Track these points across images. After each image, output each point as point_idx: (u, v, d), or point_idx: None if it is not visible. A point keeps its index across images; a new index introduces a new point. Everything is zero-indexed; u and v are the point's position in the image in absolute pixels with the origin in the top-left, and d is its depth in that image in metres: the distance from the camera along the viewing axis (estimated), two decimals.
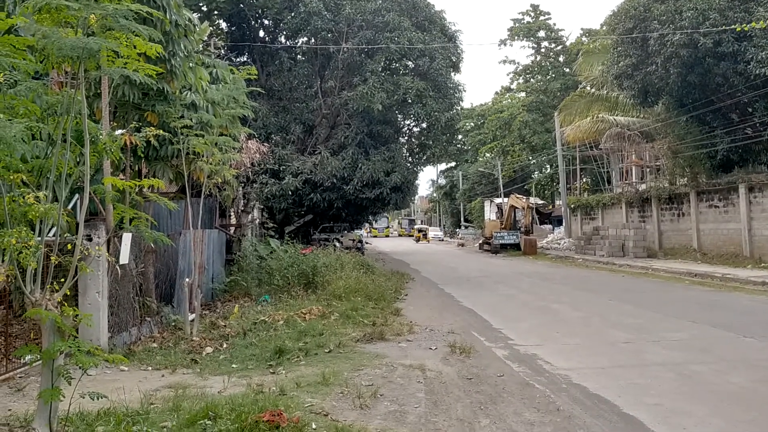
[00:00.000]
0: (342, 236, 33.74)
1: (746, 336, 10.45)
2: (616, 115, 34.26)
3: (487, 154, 67.40)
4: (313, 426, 5.76)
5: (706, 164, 27.48)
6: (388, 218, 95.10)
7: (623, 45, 26.84)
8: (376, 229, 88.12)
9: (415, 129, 34.76)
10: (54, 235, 5.85)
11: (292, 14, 28.58)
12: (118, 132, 9.38)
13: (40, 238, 5.14)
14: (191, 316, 11.20)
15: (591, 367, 8.48)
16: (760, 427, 5.91)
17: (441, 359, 9.03)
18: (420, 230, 79.25)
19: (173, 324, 11.34)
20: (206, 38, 17.38)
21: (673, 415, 6.28)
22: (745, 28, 18.53)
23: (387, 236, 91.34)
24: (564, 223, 43.98)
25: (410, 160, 34.82)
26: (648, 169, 36.86)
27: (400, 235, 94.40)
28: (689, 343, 9.98)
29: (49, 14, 4.96)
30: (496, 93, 71.25)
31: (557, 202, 54.07)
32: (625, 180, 38.30)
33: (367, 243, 46.83)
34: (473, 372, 8.25)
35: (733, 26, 20.56)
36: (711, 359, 8.79)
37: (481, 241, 47.11)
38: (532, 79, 62.06)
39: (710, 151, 26.48)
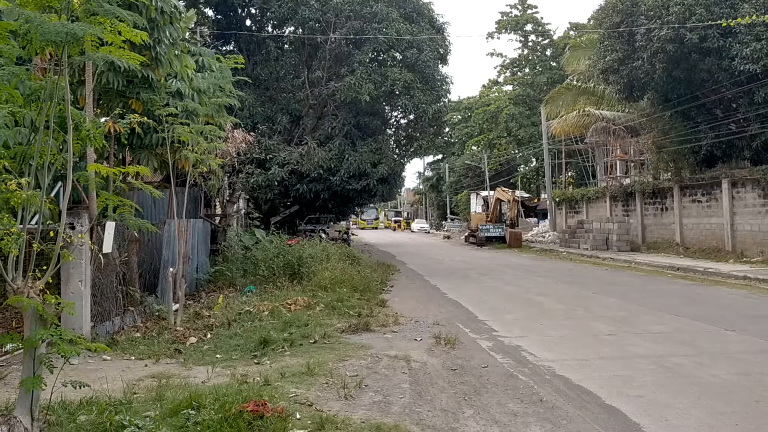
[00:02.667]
0: (328, 227, 33.66)
1: (727, 329, 10.56)
2: (602, 110, 34.41)
3: (474, 147, 67.48)
4: (298, 416, 5.76)
5: (690, 159, 27.69)
6: (377, 209, 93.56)
7: (610, 39, 26.92)
8: (364, 220, 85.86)
9: (402, 121, 34.70)
10: (36, 223, 5.78)
11: (279, 3, 28.36)
12: (102, 119, 9.30)
13: (22, 225, 5.08)
14: (175, 306, 11.16)
15: (574, 359, 8.54)
16: (740, 419, 5.98)
17: (426, 350, 9.06)
18: (396, 221, 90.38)
19: (157, 314, 11.29)
20: (192, 26, 17.23)
21: (654, 407, 6.34)
22: (731, 24, 18.64)
23: (375, 228, 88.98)
24: (549, 217, 44.17)
25: (397, 151, 34.78)
26: (632, 164, 37.10)
27: (386, 227, 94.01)
28: (671, 336, 10.08)
29: None
30: (484, 86, 71.24)
31: (542, 196, 54.28)
32: (610, 174, 38.52)
33: (353, 235, 46.76)
34: (458, 363, 8.29)
35: (718, 22, 20.67)
36: (693, 352, 8.88)
37: (467, 234, 47.24)
38: (519, 73, 62.13)
39: (694, 146, 26.68)
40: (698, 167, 27.73)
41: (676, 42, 23.23)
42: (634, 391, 6.90)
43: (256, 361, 8.36)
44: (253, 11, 31.08)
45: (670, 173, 29.78)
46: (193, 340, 9.74)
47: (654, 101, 28.71)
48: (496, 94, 65.59)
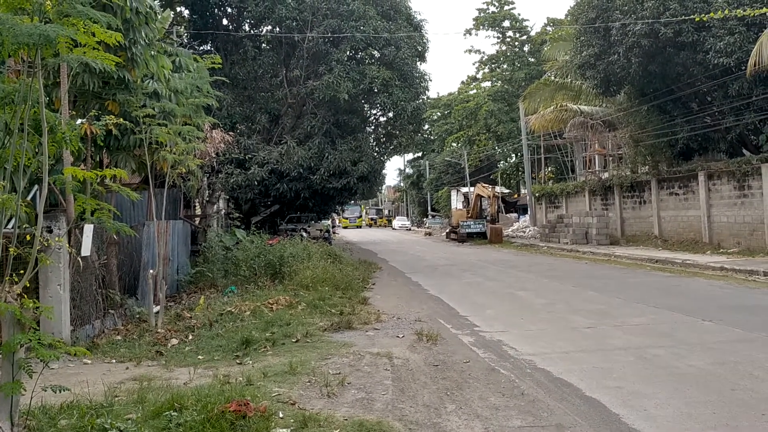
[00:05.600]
0: (309, 226, 33.63)
1: (705, 320, 10.71)
2: (580, 105, 34.68)
3: (454, 144, 67.70)
4: (281, 415, 5.76)
5: (667, 152, 28.00)
6: (361, 206, 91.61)
7: (586, 35, 27.11)
8: (346, 218, 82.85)
9: (381, 118, 34.74)
10: (13, 227, 5.72)
11: (256, 2, 28.25)
12: (78, 121, 9.22)
13: None
14: (156, 308, 11.09)
15: (555, 352, 8.62)
16: (717, 408, 6.08)
17: (408, 347, 9.10)
18: (372, 218, 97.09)
19: (138, 316, 11.21)
20: (168, 26, 17.11)
21: (633, 398, 6.43)
22: (704, 19, 18.88)
23: (359, 227, 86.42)
24: (529, 212, 44.47)
25: (377, 149, 34.82)
26: (610, 158, 37.43)
27: (367, 225, 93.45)
28: (650, 328, 10.21)
29: (3, 0, 4.83)
30: (462, 82, 71.49)
31: (522, 191, 54.63)
32: (589, 168, 38.87)
33: (335, 234, 46.73)
34: (440, 359, 8.33)
35: (692, 16, 20.93)
36: (671, 343, 9.00)
37: (448, 230, 47.37)
38: (497, 69, 62.40)
39: (671, 140, 26.97)
40: (675, 160, 28.05)
41: (651, 36, 23.48)
42: (613, 383, 6.99)
43: (238, 361, 8.34)
44: (229, 10, 30.95)
45: (647, 167, 30.10)
46: (174, 341, 9.70)
47: (630, 96, 29.00)
48: (475, 90, 65.86)
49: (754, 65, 19.28)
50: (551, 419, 5.86)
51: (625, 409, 6.08)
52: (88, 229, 9.37)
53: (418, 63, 32.22)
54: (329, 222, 44.28)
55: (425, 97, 33.91)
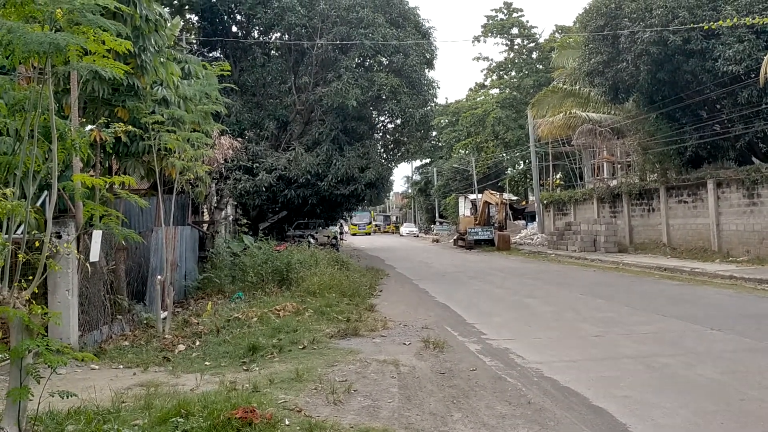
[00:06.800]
0: (317, 233, 33.66)
1: (713, 329, 10.65)
2: (588, 112, 34.60)
3: (462, 151, 67.69)
4: (287, 422, 5.76)
5: (676, 160, 27.90)
6: (370, 212, 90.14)
7: (594, 42, 27.10)
8: (355, 225, 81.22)
9: (389, 125, 34.86)
10: (22, 233, 5.76)
11: (266, 9, 28.41)
12: (88, 128, 9.28)
13: (7, 236, 5.07)
14: (163, 314, 11.12)
15: (562, 361, 8.59)
16: (726, 418, 6.04)
17: (415, 354, 9.08)
18: (377, 225, 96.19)
19: (145, 322, 11.24)
20: (178, 33, 17.21)
21: (641, 407, 6.39)
22: (713, 26, 18.83)
23: (369, 234, 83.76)
24: (537, 219, 44.32)
25: (385, 156, 34.93)
26: (619, 165, 37.33)
27: (374, 232, 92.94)
28: (658, 336, 10.16)
29: (14, 8, 4.88)
30: (470, 89, 71.56)
31: (530, 198, 54.47)
32: (597, 176, 38.75)
33: (342, 240, 46.73)
34: (446, 366, 8.31)
35: (701, 24, 20.88)
36: (679, 352, 8.95)
37: (455, 237, 47.31)
38: (505, 76, 62.41)
39: (679, 148, 26.88)
40: (684, 168, 27.94)
41: (659, 44, 23.44)
42: (621, 392, 6.96)
43: (245, 367, 8.35)
44: (239, 18, 31.15)
45: (656, 174, 29.98)
46: (181, 347, 9.72)
47: (639, 103, 28.92)
48: (483, 97, 65.81)
49: (767, 73, 19.20)
50: (558, 428, 5.84)
51: (633, 419, 6.04)
52: (97, 234, 9.42)
53: (427, 70, 32.32)
54: (337, 228, 44.21)
55: (433, 104, 33.99)
